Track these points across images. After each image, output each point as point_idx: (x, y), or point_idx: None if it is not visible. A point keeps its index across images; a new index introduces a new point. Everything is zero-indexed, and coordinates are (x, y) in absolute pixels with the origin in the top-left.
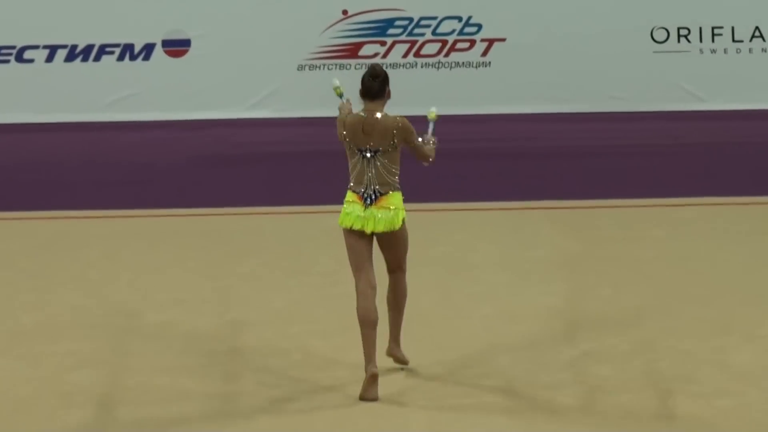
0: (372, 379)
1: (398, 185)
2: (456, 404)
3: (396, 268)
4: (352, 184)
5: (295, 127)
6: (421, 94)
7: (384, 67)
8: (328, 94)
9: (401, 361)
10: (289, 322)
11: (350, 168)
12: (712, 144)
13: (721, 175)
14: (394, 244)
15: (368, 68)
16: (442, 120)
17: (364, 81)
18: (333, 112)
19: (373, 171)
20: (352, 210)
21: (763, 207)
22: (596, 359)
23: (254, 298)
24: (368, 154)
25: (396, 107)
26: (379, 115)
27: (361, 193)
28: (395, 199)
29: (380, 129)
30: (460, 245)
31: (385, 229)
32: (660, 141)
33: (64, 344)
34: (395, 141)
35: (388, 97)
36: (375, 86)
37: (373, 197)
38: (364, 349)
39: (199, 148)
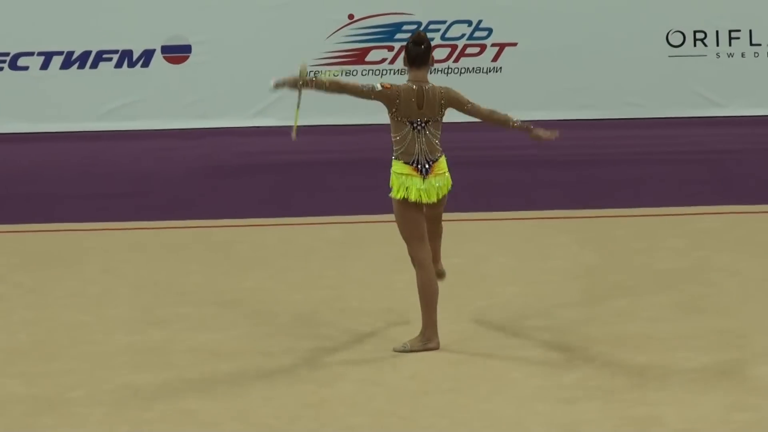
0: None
1: (441, 148)
2: (464, 418)
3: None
4: (400, 154)
5: (301, 136)
6: None
7: (392, 74)
8: (335, 102)
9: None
10: (296, 336)
11: (398, 138)
12: (731, 151)
13: (741, 183)
14: (441, 204)
15: (412, 36)
16: (454, 128)
17: (409, 49)
18: (339, 120)
19: (423, 141)
20: (411, 183)
21: None
22: (612, 372)
23: (260, 313)
24: (420, 126)
25: None
26: (427, 86)
27: (414, 165)
28: (443, 163)
29: (430, 100)
30: (473, 256)
31: (442, 195)
32: (677, 148)
33: (62, 362)
34: (443, 111)
35: (432, 64)
36: (421, 52)
37: (428, 167)
38: (432, 318)
39: (200, 158)
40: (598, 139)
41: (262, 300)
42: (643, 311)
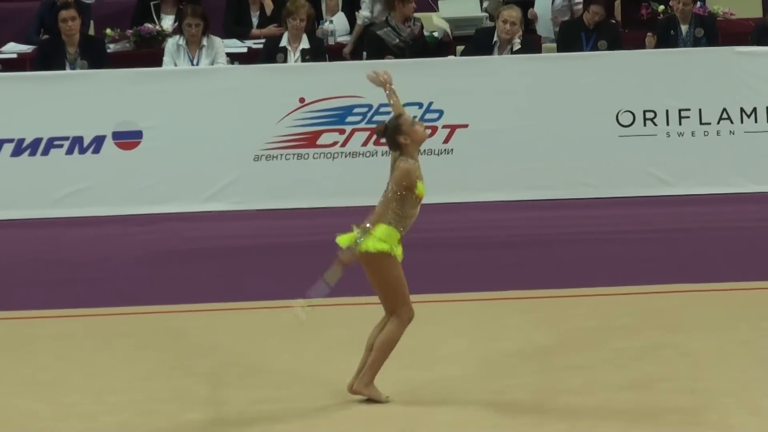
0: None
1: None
2: None
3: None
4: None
5: (252, 220)
6: (382, 183)
7: (344, 156)
8: (286, 185)
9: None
10: (250, 422)
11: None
12: (682, 230)
13: (692, 261)
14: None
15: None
16: None
17: None
18: (290, 203)
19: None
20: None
21: (738, 293)
22: None
23: (212, 398)
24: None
25: (357, 197)
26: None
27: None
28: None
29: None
30: (427, 338)
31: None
32: (628, 227)
33: None
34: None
35: (402, 145)
36: (388, 143)
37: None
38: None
39: (152, 244)
40: (549, 219)
41: (216, 386)
42: (597, 391)
